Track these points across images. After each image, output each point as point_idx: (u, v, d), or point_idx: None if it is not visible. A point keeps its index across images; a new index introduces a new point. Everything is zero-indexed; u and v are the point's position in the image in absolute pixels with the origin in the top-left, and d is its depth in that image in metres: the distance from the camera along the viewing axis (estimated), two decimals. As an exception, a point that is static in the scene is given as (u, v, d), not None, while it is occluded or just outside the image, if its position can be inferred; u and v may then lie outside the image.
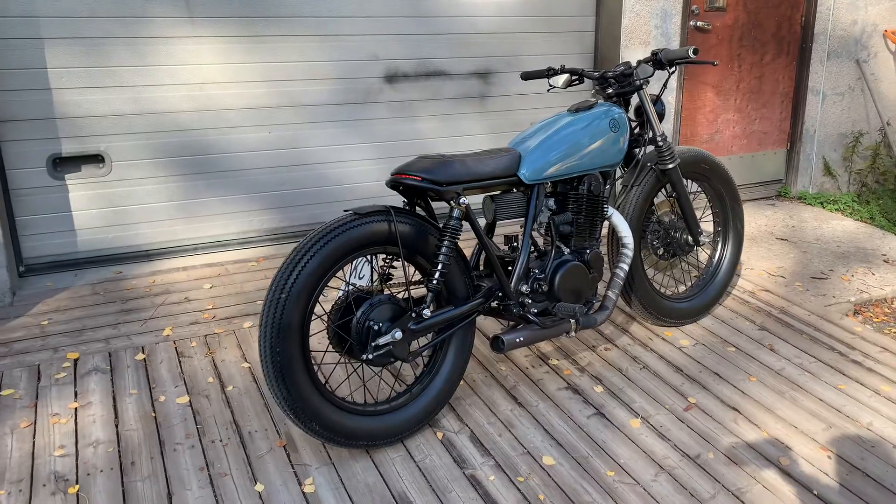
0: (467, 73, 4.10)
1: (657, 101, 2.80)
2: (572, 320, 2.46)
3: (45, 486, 2.03)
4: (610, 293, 2.64)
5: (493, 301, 2.38)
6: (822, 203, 4.91)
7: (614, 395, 2.56)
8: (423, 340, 2.57)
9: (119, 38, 3.29)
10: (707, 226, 3.23)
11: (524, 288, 2.39)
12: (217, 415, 2.37)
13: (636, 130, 2.78)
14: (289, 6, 3.57)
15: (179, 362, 2.68)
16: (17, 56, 3.14)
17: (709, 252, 3.24)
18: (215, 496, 2.00)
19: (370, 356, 2.09)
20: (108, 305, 3.13)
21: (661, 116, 2.81)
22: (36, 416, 2.35)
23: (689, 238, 2.97)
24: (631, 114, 2.80)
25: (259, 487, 2.04)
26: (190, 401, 2.45)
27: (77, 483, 2.04)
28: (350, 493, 2.03)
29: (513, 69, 4.22)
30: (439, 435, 2.31)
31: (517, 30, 4.16)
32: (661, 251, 2.99)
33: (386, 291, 2.24)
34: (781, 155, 5.11)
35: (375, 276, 2.24)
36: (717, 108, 4.76)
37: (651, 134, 2.75)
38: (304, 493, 2.03)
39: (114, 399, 2.44)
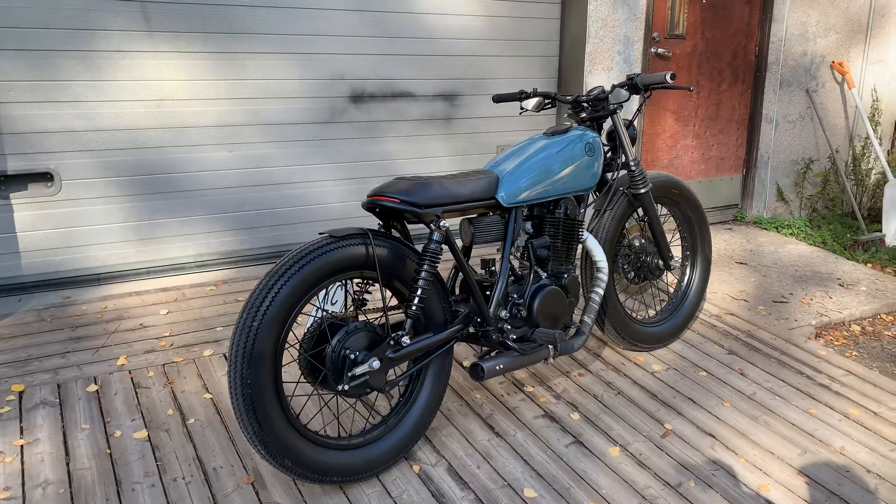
0: (433, 94, 4.06)
1: (629, 125, 2.81)
2: (551, 346, 2.41)
3: (-13, 533, 1.86)
4: (586, 318, 2.61)
5: (471, 327, 2.31)
6: (776, 227, 5.03)
7: (591, 422, 2.51)
8: (400, 369, 2.49)
9: (72, 52, 3.13)
10: (676, 250, 3.24)
11: (503, 313, 2.33)
12: (178, 450, 2.23)
13: (608, 155, 2.78)
14: (253, 23, 3.47)
15: (136, 393, 2.52)
16: (-39, 67, 2.96)
17: (677, 276, 3.25)
18: (179, 540, 1.87)
19: (346, 387, 1.99)
20: (56, 333, 2.94)
21: (633, 141, 2.81)
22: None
23: (660, 262, 2.97)
24: (603, 138, 2.80)
25: (226, 529, 1.92)
26: (148, 435, 2.29)
27: (24, 529, 1.88)
28: (325, 533, 1.92)
29: (479, 92, 4.20)
30: (416, 468, 2.21)
31: (483, 53, 4.15)
32: (631, 275, 2.98)
33: (361, 318, 2.15)
34: (737, 180, 5.22)
35: (349, 302, 2.15)
36: (676, 133, 4.84)
37: (624, 158, 2.75)
38: (275, 534, 1.91)
39: (64, 435, 2.27)
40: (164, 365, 2.72)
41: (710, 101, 4.91)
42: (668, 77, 2.58)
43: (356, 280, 2.16)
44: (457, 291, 2.46)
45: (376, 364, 2.01)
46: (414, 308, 2.10)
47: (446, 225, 2.15)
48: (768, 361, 3.02)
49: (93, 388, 2.54)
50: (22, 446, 2.21)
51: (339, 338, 2.02)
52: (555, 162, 2.44)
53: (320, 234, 2.03)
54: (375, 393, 2.53)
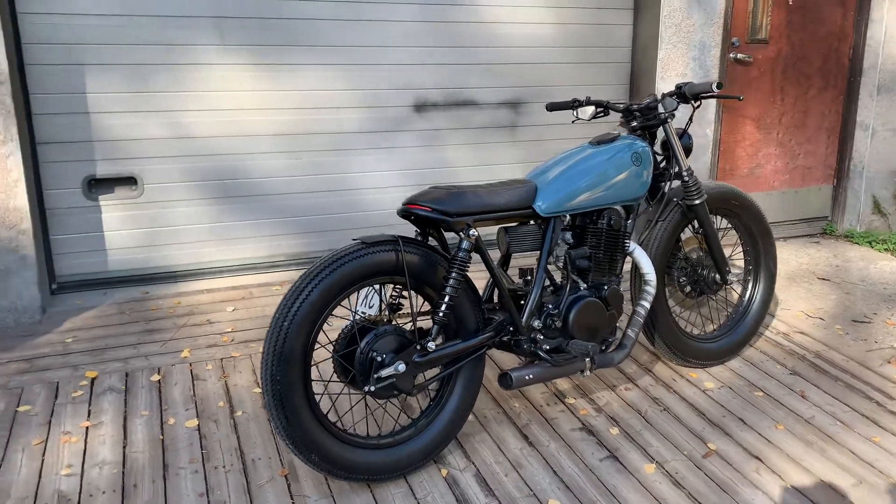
0: (497, 102, 4.08)
1: (684, 134, 2.73)
2: (587, 359, 2.39)
3: (47, 504, 2.05)
4: (629, 332, 2.56)
5: (504, 335, 2.32)
6: (870, 242, 4.71)
7: (630, 437, 2.46)
8: (432, 373, 2.53)
9: (157, 65, 3.39)
10: (738, 264, 3.12)
11: (536, 323, 2.33)
12: (223, 440, 2.37)
13: (662, 164, 2.71)
14: (319, 36, 3.62)
15: (193, 385, 2.70)
16: (59, 81, 3.26)
17: (739, 291, 3.12)
18: (211, 524, 1.99)
19: (372, 388, 2.06)
20: (132, 325, 3.18)
21: (688, 151, 2.73)
22: (48, 434, 2.38)
23: (717, 276, 2.87)
24: (657, 147, 2.74)
25: (255, 517, 2.02)
26: (199, 425, 2.45)
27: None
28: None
29: (545, 99, 4.19)
30: (444, 472, 2.25)
31: (550, 60, 4.14)
32: (687, 289, 2.89)
33: (394, 322, 2.21)
34: (827, 191, 4.93)
35: (384, 306, 2.21)
36: (757, 141, 4.63)
37: (677, 168, 2.68)
38: (299, 525, 2.00)
39: (125, 420, 2.47)
40: (222, 359, 2.89)
41: (797, 108, 4.66)
42: (714, 86, 2.50)
43: (392, 285, 2.23)
44: (494, 300, 2.48)
45: (402, 367, 2.07)
46: (441, 314, 2.14)
47: (476, 233, 2.18)
48: (834, 384, 2.85)
49: (156, 377, 2.74)
50: (87, 428, 2.41)
51: (367, 340, 2.08)
52: (597, 171, 2.42)
53: (353, 239, 2.10)
54: (406, 395, 2.58)
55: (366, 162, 3.88)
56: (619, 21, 4.27)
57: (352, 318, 2.18)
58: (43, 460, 2.24)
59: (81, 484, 2.13)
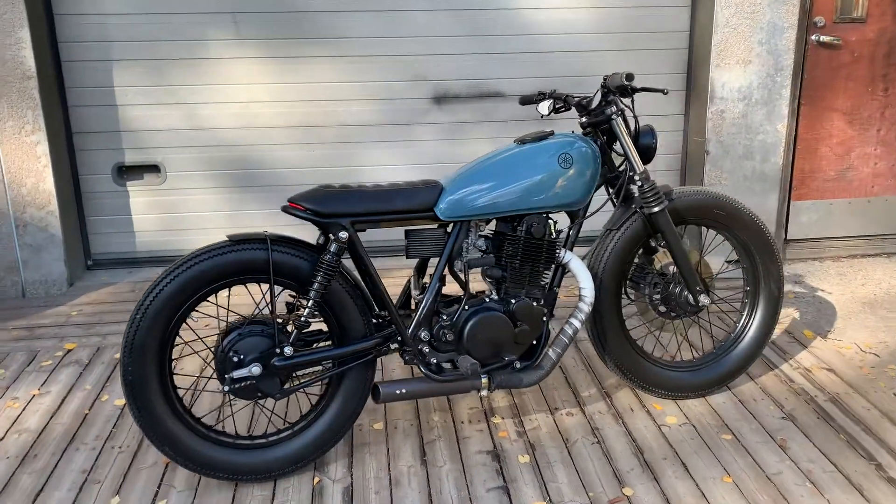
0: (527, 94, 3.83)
1: (647, 133, 2.38)
2: (484, 377, 2.18)
3: (-40, 462, 2.26)
4: (549, 351, 2.29)
5: (393, 344, 2.19)
6: None
7: (537, 469, 2.21)
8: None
9: (178, 60, 3.58)
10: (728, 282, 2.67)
11: (424, 335, 2.16)
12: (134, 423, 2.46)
13: (622, 167, 2.39)
14: (334, 27, 3.62)
15: (146, 365, 2.84)
16: (90, 76, 3.56)
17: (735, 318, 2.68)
18: (74, 501, 2.08)
19: (226, 388, 2.03)
20: (133, 304, 3.41)
21: (649, 151, 2.38)
22: (1, 397, 2.63)
23: (690, 296, 2.48)
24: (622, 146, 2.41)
25: (114, 501, 2.08)
26: (126, 403, 2.57)
27: (-17, 465, 2.25)
28: (187, 525, 1.99)
29: (583, 90, 3.86)
30: (316, 480, 2.17)
31: (586, 47, 3.81)
32: (662, 308, 2.54)
33: (289, 323, 2.15)
34: (946, 200, 4.09)
35: (264, 306, 2.17)
36: (849, 139, 3.94)
37: (631, 172, 2.35)
38: (149, 515, 2.03)
39: (69, 392, 2.65)
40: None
41: (905, 99, 3.90)
42: (623, 78, 2.18)
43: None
44: (412, 306, 2.34)
45: (257, 370, 2.02)
46: (302, 319, 2.05)
47: (346, 235, 2.06)
48: (833, 437, 2.36)
49: (118, 355, 2.91)
50: (33, 396, 2.63)
51: (230, 339, 2.06)
52: (507, 173, 2.18)
53: (226, 236, 2.08)
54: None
55: (380, 155, 3.83)
56: (676, 2, 3.82)
57: (225, 317, 2.16)
58: (-19, 422, 2.48)
59: (-3, 447, 2.34)
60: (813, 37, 3.76)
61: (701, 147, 3.83)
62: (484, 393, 2.21)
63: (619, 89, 2.25)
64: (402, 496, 2.10)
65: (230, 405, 2.38)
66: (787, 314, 3.29)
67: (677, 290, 2.48)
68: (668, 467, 2.22)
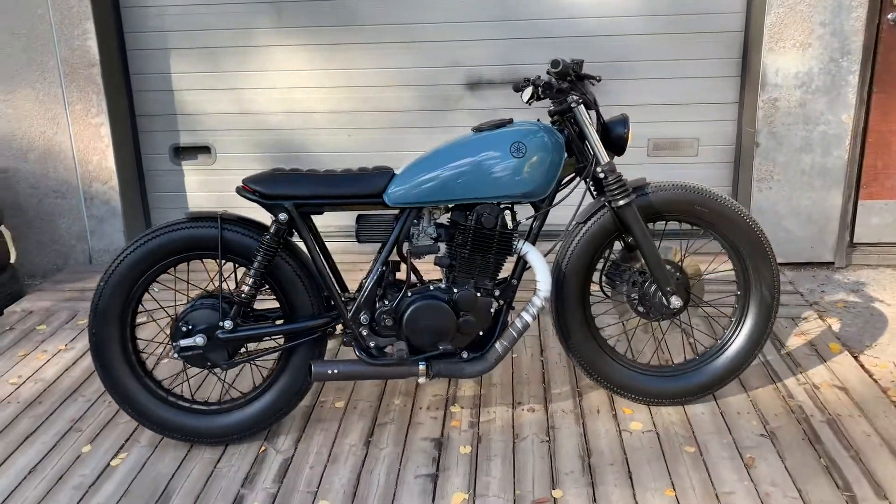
0: (563, 80, 3.71)
1: (620, 122, 2.26)
2: (422, 365, 2.18)
3: (-18, 403, 2.59)
4: (497, 344, 2.25)
5: (338, 325, 2.24)
6: None
7: (475, 461, 2.19)
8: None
9: (226, 48, 3.81)
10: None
11: (364, 318, 2.20)
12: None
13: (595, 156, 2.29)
14: (370, 14, 3.69)
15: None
16: (152, 62, 3.87)
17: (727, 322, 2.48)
18: (54, 445, 2.33)
19: (175, 356, 2.18)
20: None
21: (620, 141, 2.26)
22: (34, 349, 2.97)
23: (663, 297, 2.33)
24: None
25: (86, 448, 2.30)
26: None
27: (-2, 407, 2.56)
28: (135, 480, 2.15)
29: (624, 76, 3.69)
30: (262, 449, 2.28)
31: (630, 30, 3.62)
32: (641, 308, 2.41)
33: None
34: None
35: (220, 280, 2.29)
36: (933, 132, 3.48)
37: (594, 162, 2.24)
38: (109, 463, 2.23)
39: (87, 350, 2.94)
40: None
41: None
42: (549, 66, 2.07)
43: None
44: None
45: (200, 340, 2.15)
46: (243, 296, 2.16)
47: (285, 217, 2.14)
48: (810, 462, 2.14)
49: (143, 320, 3.19)
50: (59, 351, 2.94)
51: (185, 309, 2.21)
52: (455, 161, 2.16)
53: (185, 214, 2.23)
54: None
55: (415, 140, 3.87)
56: (732, -19, 3.54)
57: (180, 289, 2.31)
58: (11, 369, 2.82)
59: (13, 393, 2.65)
60: (890, 15, 3.35)
61: (753, 139, 3.54)
62: (422, 380, 2.21)
63: (559, 76, 2.14)
64: (332, 472, 2.16)
65: (185, 372, 2.52)
66: (822, 325, 2.99)
67: (651, 289, 2.34)
68: (610, 474, 2.12)
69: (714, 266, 2.74)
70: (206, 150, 4.00)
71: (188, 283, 2.45)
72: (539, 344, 2.91)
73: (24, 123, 3.76)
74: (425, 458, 2.21)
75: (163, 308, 2.41)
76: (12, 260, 3.70)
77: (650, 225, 2.33)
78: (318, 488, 2.10)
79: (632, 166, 3.80)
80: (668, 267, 2.34)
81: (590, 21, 3.63)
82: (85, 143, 3.78)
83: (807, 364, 2.68)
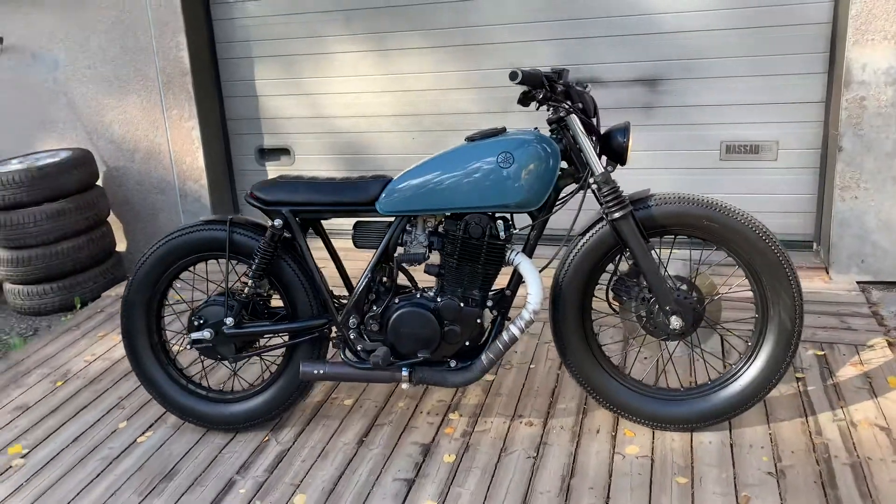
0: (627, 79, 3.56)
1: (620, 130, 2.15)
2: (405, 371, 2.22)
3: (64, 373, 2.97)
4: (483, 356, 2.23)
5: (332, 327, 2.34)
6: None
7: (454, 471, 2.20)
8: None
9: (302, 55, 4.03)
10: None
11: (353, 321, 2.27)
12: (181, 365, 2.96)
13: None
14: (432, 18, 3.74)
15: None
16: (239, 70, 4.18)
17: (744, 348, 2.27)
18: (98, 420, 2.62)
19: (188, 346, 2.38)
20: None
21: (619, 151, 2.15)
22: (112, 331, 3.33)
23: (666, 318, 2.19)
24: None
25: (122, 424, 2.58)
26: (184, 350, 3.09)
27: (61, 380, 2.92)
28: (151, 457, 2.38)
29: (694, 75, 3.47)
30: (265, 439, 2.43)
31: (702, 26, 3.39)
32: (648, 325, 2.29)
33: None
34: None
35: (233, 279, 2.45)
36: None
37: (588, 172, 2.15)
38: (136, 440, 2.48)
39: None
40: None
41: None
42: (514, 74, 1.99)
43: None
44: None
45: (207, 334, 2.33)
46: (244, 295, 2.31)
47: (280, 223, 2.25)
48: (812, 506, 1.94)
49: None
50: (131, 334, 3.29)
51: (199, 306, 2.40)
52: (448, 171, 2.17)
53: (200, 219, 2.42)
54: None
55: (477, 143, 3.87)
56: (819, -32, 3.21)
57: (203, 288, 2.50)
58: (90, 347, 3.20)
59: (84, 368, 3.00)
60: None
61: (836, 142, 3.20)
62: (405, 386, 2.25)
63: (532, 84, 2.08)
64: (320, 467, 2.26)
65: (202, 361, 2.70)
66: (888, 355, 2.65)
67: (656, 307, 2.21)
68: (587, 497, 2.05)
69: (732, 282, 2.53)
70: (286, 152, 4.26)
71: (207, 280, 2.65)
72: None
73: (132, 128, 4.21)
74: (408, 463, 2.25)
75: (186, 303, 2.63)
76: (118, 248, 4.16)
77: (658, 239, 2.21)
78: (300, 482, 2.21)
79: (700, 171, 3.57)
80: (681, 284, 2.20)
81: (658, 17, 3.44)
82: (179, 145, 4.16)
83: (852, 398, 2.40)
